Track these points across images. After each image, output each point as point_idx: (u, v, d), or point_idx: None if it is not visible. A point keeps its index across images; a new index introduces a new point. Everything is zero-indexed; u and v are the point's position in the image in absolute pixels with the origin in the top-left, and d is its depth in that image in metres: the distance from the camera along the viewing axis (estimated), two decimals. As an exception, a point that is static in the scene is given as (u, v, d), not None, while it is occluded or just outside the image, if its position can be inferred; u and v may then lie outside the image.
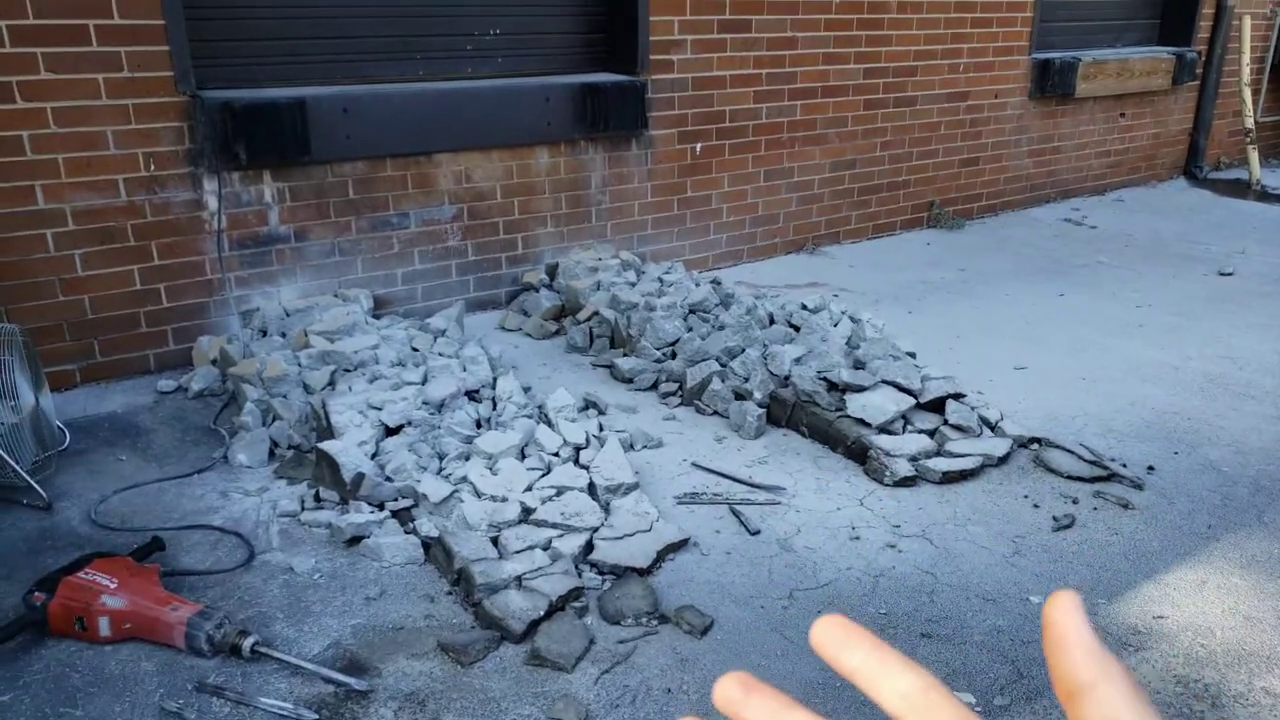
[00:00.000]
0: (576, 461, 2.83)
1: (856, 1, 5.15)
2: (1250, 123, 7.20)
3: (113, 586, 2.26)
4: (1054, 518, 2.64)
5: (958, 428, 2.99)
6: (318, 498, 2.81)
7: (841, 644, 0.38)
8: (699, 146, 4.81)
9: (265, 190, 3.73)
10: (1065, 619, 0.36)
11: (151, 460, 3.07)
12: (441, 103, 3.99)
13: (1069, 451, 2.94)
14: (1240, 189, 7.07)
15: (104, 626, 2.23)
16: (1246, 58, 7.15)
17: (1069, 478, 2.84)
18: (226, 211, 3.65)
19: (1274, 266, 5.16)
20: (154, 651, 2.22)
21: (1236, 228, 6.01)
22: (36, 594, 2.26)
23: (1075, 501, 2.74)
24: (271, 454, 3.08)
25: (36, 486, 2.80)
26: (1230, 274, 4.98)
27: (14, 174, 3.26)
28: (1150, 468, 2.93)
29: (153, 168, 3.48)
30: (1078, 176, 6.76)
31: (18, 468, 2.78)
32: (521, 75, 4.33)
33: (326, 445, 2.81)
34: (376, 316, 3.97)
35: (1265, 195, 6.88)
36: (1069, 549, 2.52)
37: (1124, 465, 2.90)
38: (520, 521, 2.53)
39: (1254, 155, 7.15)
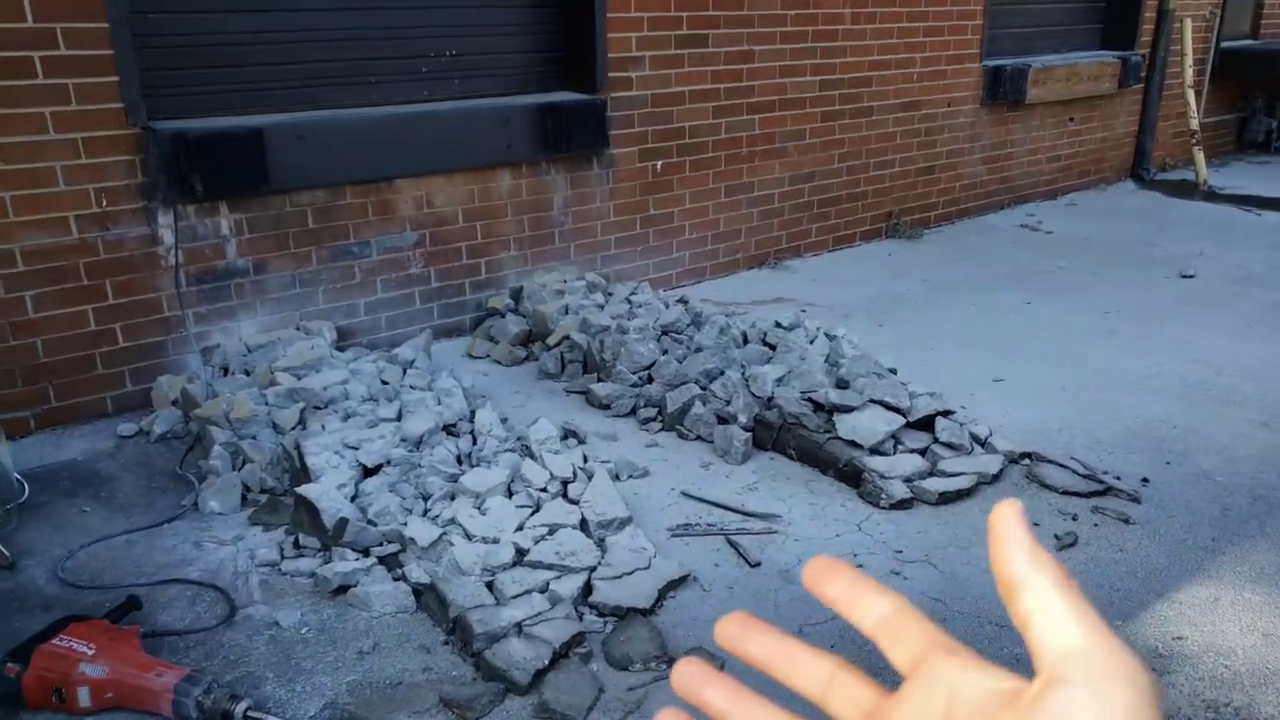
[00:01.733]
0: (566, 496, 2.76)
1: (811, 14, 5.17)
2: (1195, 124, 7.39)
3: (91, 653, 2.14)
4: (1055, 536, 2.64)
5: (949, 445, 2.99)
6: (297, 544, 2.70)
7: (826, 578, 0.42)
8: (660, 164, 4.77)
9: (222, 223, 3.60)
10: (1003, 524, 0.38)
11: (117, 510, 2.93)
12: (400, 127, 3.89)
13: (1062, 466, 2.95)
14: (1188, 190, 7.25)
15: (84, 697, 2.11)
16: (1189, 60, 7.34)
17: (1065, 493, 2.84)
18: (182, 246, 3.52)
19: (1232, 267, 5.27)
20: (137, 722, 2.10)
21: (1190, 228, 6.15)
22: (10, 665, 2.13)
23: (1075, 518, 2.74)
24: (244, 499, 2.96)
25: (-4, 546, 2.65)
26: (1192, 276, 5.08)
27: (-44, 214, 3.10)
28: (1145, 479, 2.95)
29: (105, 203, 3.34)
30: (1030, 182, 6.87)
31: (-25, 528, 2.63)
32: (480, 96, 4.25)
33: (305, 489, 2.71)
34: (340, 348, 3.85)
35: (1213, 195, 7.06)
36: (1075, 569, 2.52)
37: (1118, 478, 2.92)
38: (515, 564, 2.46)
39: (1200, 156, 7.33)
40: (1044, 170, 6.96)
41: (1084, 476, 2.89)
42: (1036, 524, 2.71)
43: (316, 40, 3.82)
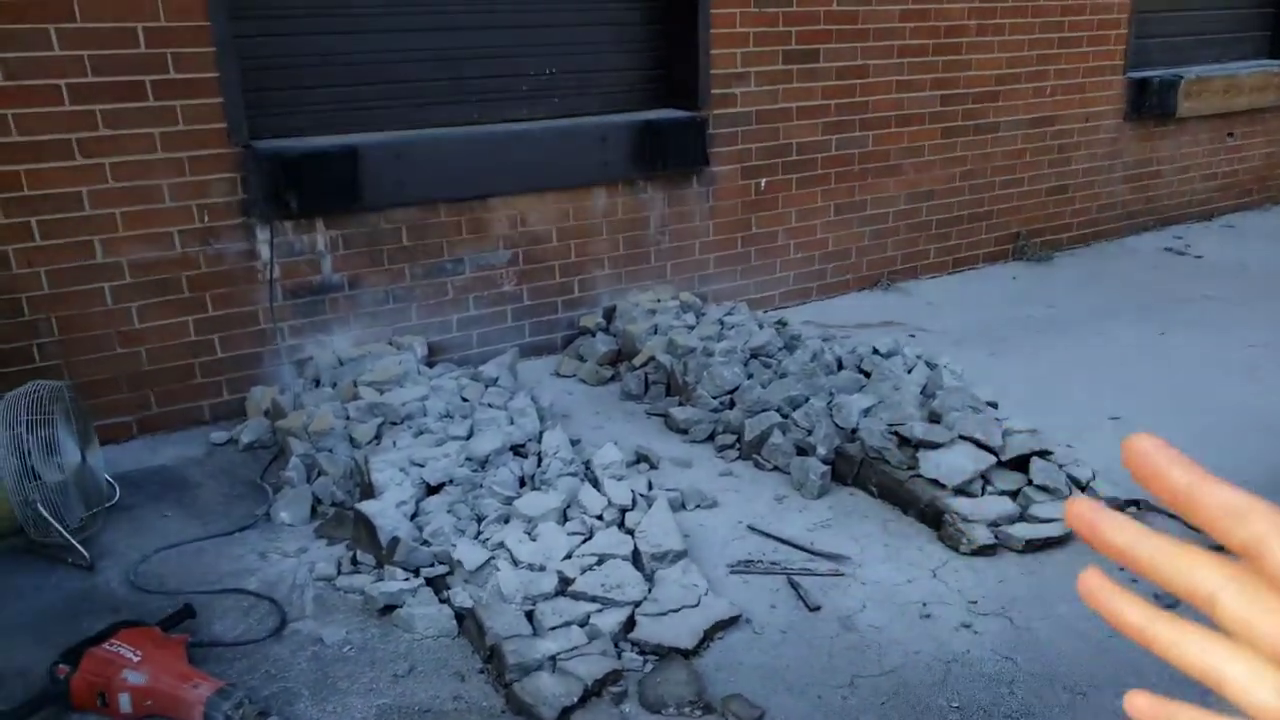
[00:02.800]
0: (621, 525, 2.66)
1: (933, 26, 4.92)
2: (1374, 139, 6.65)
3: (136, 660, 2.18)
4: (1155, 595, 2.33)
5: (1043, 489, 2.71)
6: (355, 561, 2.70)
7: (1155, 475, 0.38)
8: (764, 182, 4.62)
9: (318, 239, 3.69)
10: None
11: (195, 517, 3.01)
12: (495, 146, 3.90)
13: (1173, 517, 2.62)
14: (1366, 211, 6.52)
15: (125, 703, 2.15)
16: (1369, 69, 6.62)
17: (1172, 548, 2.53)
18: (279, 261, 3.62)
19: (1407, 298, 4.68)
20: (174, 731, 2.12)
21: (1364, 255, 5.51)
22: (60, 666, 2.19)
23: (1179, 576, 2.43)
24: (314, 511, 2.99)
25: (79, 546, 2.76)
26: (1358, 308, 4.54)
27: (74, 230, 3.28)
28: (1269, 537, 2.59)
29: (206, 219, 3.47)
30: (1180, 202, 6.33)
31: (60, 528, 2.75)
32: (578, 115, 4.22)
33: (364, 506, 2.71)
34: (430, 364, 3.88)
35: (1395, 217, 6.33)
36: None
37: (1237, 534, 2.57)
38: (558, 594, 2.37)
39: (1379, 174, 6.59)
40: (1196, 190, 6.39)
41: (1195, 530, 2.55)
42: (1135, 580, 2.41)
43: (417, 60, 3.89)
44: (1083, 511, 0.39)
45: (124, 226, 3.35)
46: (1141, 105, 5.77)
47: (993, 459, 2.79)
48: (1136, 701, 0.41)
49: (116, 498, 3.11)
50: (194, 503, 3.09)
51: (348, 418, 3.28)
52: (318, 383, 3.65)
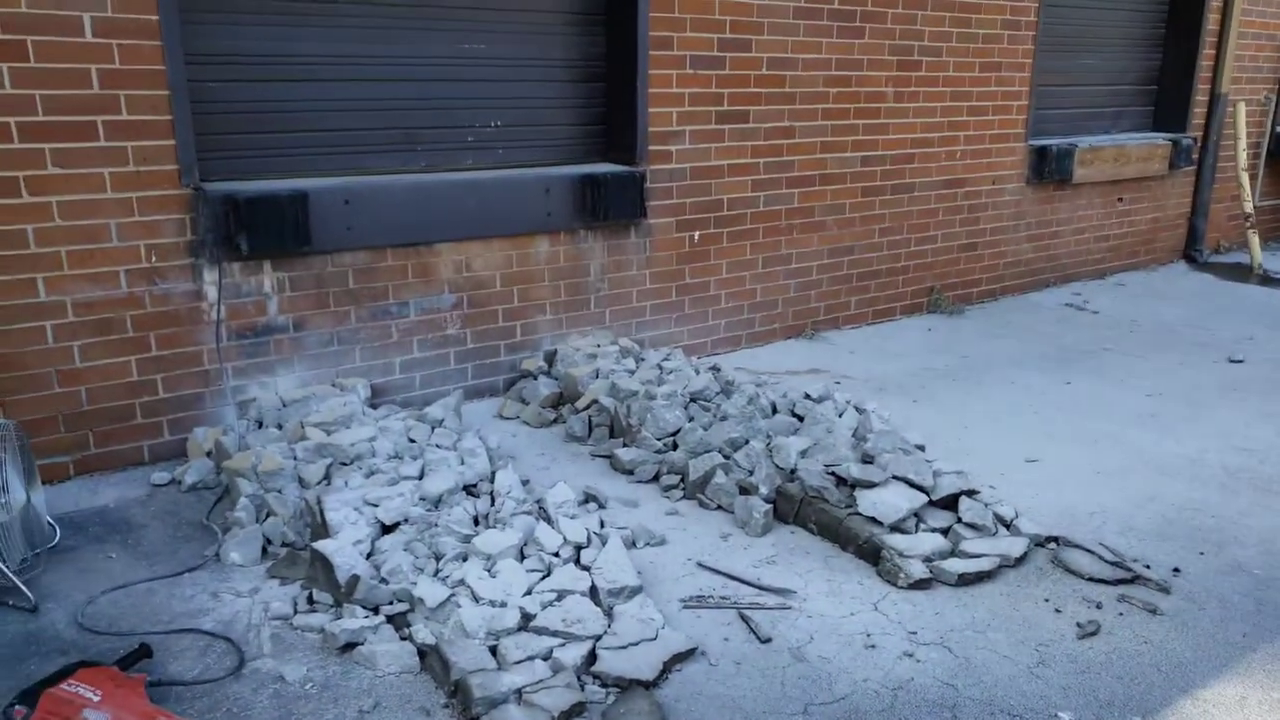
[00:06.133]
0: (578, 562, 2.75)
1: (854, 91, 5.24)
2: (1249, 207, 7.27)
3: (96, 700, 2.16)
4: (1078, 624, 2.55)
5: (972, 526, 2.92)
6: (311, 600, 2.71)
7: None
8: (697, 234, 4.82)
9: (265, 280, 3.71)
10: None
11: (141, 558, 2.98)
12: (443, 194, 4.01)
13: (1089, 551, 2.85)
14: (1242, 273, 7.11)
15: (84, 744, 2.13)
16: (1243, 143, 7.26)
17: (1090, 580, 2.75)
18: (226, 302, 3.63)
19: None
20: (135, 771, 2.11)
21: (1242, 313, 6.01)
22: (18, 708, 2.16)
23: (1099, 606, 2.64)
24: (264, 552, 2.99)
25: (23, 587, 2.71)
26: (1241, 361, 4.95)
27: (16, 267, 3.24)
28: (1176, 569, 2.84)
29: (154, 259, 3.47)
30: (1077, 260, 6.80)
31: (5, 568, 2.70)
32: (522, 166, 4.36)
33: (321, 545, 2.73)
34: (374, 406, 3.91)
35: (1268, 279, 6.91)
36: (1096, 659, 2.42)
37: (1147, 566, 2.82)
38: (520, 629, 2.44)
39: (1255, 239, 7.20)
40: (1092, 250, 6.88)
41: (1111, 564, 2.79)
42: (1059, 610, 2.62)
43: (367, 110, 3.97)
44: None
45: (69, 265, 3.33)
46: (1042, 170, 6.22)
47: (924, 498, 2.98)
48: None
49: (57, 539, 3.06)
50: (139, 544, 3.06)
51: (295, 458, 3.30)
52: (261, 424, 3.66)
